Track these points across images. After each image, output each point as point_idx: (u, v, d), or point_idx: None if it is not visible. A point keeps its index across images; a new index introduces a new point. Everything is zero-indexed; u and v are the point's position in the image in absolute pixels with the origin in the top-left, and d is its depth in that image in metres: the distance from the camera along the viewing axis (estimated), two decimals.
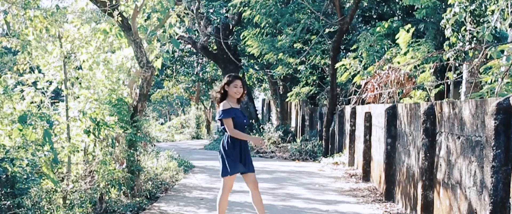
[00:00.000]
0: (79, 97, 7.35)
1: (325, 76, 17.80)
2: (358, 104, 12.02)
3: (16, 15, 6.76)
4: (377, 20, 15.56)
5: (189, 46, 24.01)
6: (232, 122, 5.62)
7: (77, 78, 7.48)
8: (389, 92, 9.90)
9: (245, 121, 5.77)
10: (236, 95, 5.74)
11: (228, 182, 5.71)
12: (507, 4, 6.70)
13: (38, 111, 6.67)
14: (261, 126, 19.93)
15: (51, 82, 7.19)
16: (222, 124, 5.72)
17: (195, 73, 26.81)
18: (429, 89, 9.24)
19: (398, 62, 10.28)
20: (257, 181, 5.81)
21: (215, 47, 22.12)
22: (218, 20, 20.02)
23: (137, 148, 7.91)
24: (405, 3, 12.33)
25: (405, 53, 10.62)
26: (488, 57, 7.04)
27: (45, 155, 5.64)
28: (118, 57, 7.97)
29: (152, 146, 11.82)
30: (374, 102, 10.63)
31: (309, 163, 14.02)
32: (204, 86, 30.66)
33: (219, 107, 5.73)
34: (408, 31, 10.78)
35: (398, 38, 10.95)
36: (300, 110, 22.16)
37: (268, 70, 19.65)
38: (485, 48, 6.93)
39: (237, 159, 5.65)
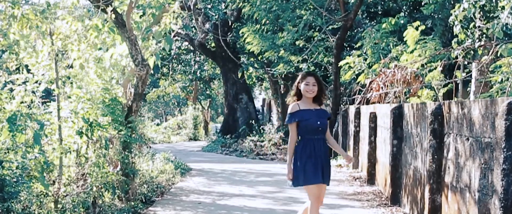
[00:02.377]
0: (71, 97, 7.35)
1: (328, 75, 17.79)
2: (363, 104, 12.01)
3: (4, 12, 6.75)
4: (382, 16, 15.56)
5: (186, 43, 24.03)
6: (298, 126, 5.31)
7: (69, 77, 7.48)
8: (395, 92, 9.90)
9: (318, 123, 5.32)
10: (308, 94, 5.35)
11: (310, 192, 5.33)
12: None
13: (29, 111, 6.67)
14: (261, 126, 19.93)
15: (40, 82, 7.18)
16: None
17: (192, 71, 26.81)
18: (437, 88, 9.25)
19: (406, 60, 10.28)
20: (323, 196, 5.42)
21: (213, 45, 22.13)
22: (216, 16, 20.02)
23: (132, 150, 7.91)
24: None
25: (412, 51, 10.61)
26: (498, 55, 7.03)
27: (35, 157, 5.64)
28: (112, 54, 7.96)
29: (147, 147, 11.82)
30: (379, 102, 10.63)
31: None
32: (201, 86, 30.66)
33: None
34: (417, 28, 10.75)
35: (405, 35, 10.94)
36: None
37: (269, 69, 19.65)
38: (495, 45, 6.93)
39: (303, 167, 5.27)
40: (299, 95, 5.42)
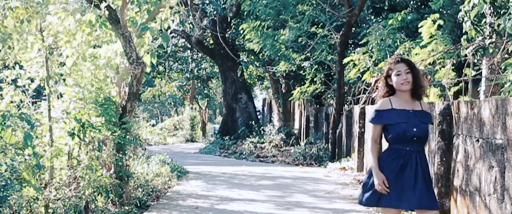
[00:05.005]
0: (62, 96, 7.35)
1: (332, 74, 17.81)
2: (368, 104, 12.02)
3: None
4: (388, 12, 15.57)
5: (183, 40, 24.05)
6: (383, 131, 4.33)
7: (61, 75, 7.49)
8: None
9: (415, 129, 4.21)
10: (404, 86, 4.26)
11: None
12: None
13: (18, 110, 6.68)
14: (262, 127, 19.94)
15: (33, 80, 7.19)
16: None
17: (189, 70, 26.84)
18: (447, 87, 9.25)
19: (418, 54, 10.23)
20: None
21: (211, 42, 22.13)
22: (214, 12, 20.03)
23: (126, 152, 7.91)
24: None
25: (425, 46, 10.53)
26: (509, 52, 7.04)
27: (25, 159, 5.65)
28: (106, 52, 7.97)
29: (142, 149, 11.83)
30: None
31: (314, 168, 14.04)
32: (199, 85, 30.69)
33: None
34: (434, 22, 10.60)
35: (421, 26, 10.80)
36: (304, 110, 22.19)
37: (270, 67, 19.66)
38: (506, 42, 6.93)
39: (390, 184, 4.24)
40: (391, 90, 4.39)
